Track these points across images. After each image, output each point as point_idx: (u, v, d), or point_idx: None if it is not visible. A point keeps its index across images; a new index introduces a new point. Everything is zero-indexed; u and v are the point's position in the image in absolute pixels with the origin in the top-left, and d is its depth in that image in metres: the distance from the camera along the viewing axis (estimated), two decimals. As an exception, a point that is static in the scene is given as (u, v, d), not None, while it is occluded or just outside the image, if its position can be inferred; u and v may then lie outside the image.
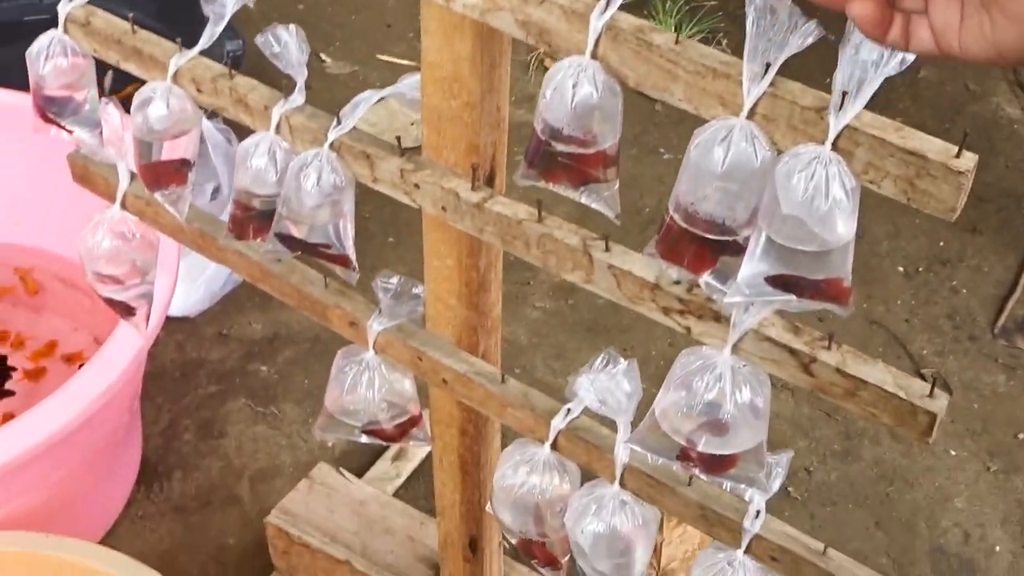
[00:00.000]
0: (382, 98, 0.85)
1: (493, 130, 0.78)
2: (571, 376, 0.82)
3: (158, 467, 1.60)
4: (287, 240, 0.87)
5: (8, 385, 1.53)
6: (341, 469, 1.45)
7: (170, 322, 1.65)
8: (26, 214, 1.59)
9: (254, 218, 0.90)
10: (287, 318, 1.77)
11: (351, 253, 0.87)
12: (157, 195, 0.96)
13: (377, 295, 0.92)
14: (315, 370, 1.68)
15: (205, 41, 0.89)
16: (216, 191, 1.60)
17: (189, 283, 1.62)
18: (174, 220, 0.96)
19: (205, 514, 1.56)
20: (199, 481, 1.60)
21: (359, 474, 1.53)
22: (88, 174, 1.08)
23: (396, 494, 1.48)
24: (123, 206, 1.04)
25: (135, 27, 0.94)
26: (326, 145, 0.83)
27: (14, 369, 1.54)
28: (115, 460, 1.43)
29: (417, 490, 1.53)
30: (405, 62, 2.16)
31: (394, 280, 0.92)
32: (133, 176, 1.04)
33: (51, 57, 0.97)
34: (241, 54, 1.79)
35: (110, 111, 1.02)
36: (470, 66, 0.74)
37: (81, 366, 1.45)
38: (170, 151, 0.92)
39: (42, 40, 0.96)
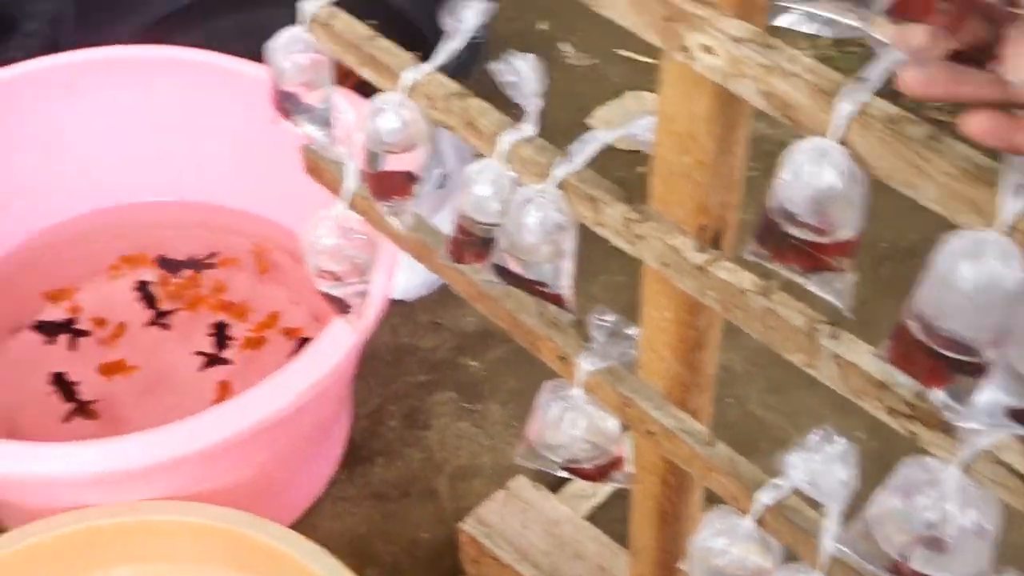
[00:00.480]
0: (613, 137, 0.82)
1: (725, 191, 0.75)
2: (783, 452, 0.78)
3: (363, 450, 1.62)
4: (504, 272, 0.85)
5: (226, 354, 1.57)
6: (538, 485, 1.42)
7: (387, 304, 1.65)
8: (262, 184, 1.64)
9: (473, 244, 0.89)
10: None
11: (567, 293, 0.85)
12: (380, 204, 0.96)
13: (590, 332, 0.90)
14: (524, 372, 1.66)
15: (442, 56, 0.88)
16: (444, 179, 1.63)
17: (410, 266, 1.63)
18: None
19: (403, 504, 1.57)
20: (400, 470, 1.61)
21: (557, 486, 1.51)
22: (318, 168, 1.10)
23: (592, 514, 1.46)
24: (349, 205, 1.04)
25: (375, 34, 0.94)
26: (552, 182, 0.81)
27: (232, 339, 1.58)
28: (323, 441, 1.45)
29: (614, 512, 1.49)
30: (645, 59, 2.12)
31: (609, 318, 0.90)
32: (361, 175, 1.04)
33: (291, 53, 0.98)
34: (482, 42, 1.78)
35: (343, 109, 1.03)
36: (706, 126, 0.70)
37: (299, 342, 1.52)
38: (396, 162, 0.92)
39: (283, 36, 0.97)
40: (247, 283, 1.66)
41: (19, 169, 1.58)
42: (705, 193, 0.73)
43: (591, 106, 2.05)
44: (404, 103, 0.90)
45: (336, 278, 1.07)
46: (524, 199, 0.81)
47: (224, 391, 1.51)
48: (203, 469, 1.17)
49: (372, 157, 0.94)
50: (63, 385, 1.52)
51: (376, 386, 1.69)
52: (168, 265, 1.65)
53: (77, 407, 1.50)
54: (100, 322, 1.61)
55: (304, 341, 1.57)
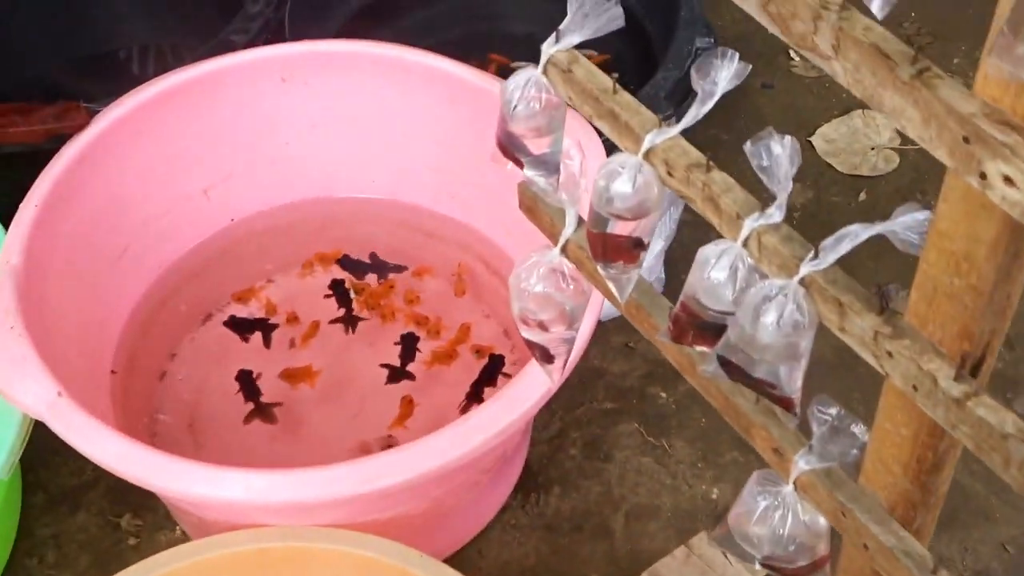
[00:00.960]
0: (872, 233, 0.76)
1: (995, 318, 0.68)
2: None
3: (539, 477, 1.60)
4: (728, 365, 0.81)
5: (412, 366, 1.57)
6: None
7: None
8: (469, 191, 1.64)
9: (699, 327, 0.85)
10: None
11: (796, 397, 0.81)
12: (600, 267, 0.93)
13: (811, 425, 0.85)
14: (714, 411, 1.59)
15: (688, 120, 0.83)
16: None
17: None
18: (613, 286, 0.93)
19: (574, 539, 1.55)
20: (576, 502, 1.58)
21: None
22: (535, 209, 1.07)
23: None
24: (563, 251, 1.01)
25: (617, 87, 0.90)
26: (796, 279, 0.76)
27: (419, 351, 1.57)
28: (501, 472, 1.45)
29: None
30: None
31: (832, 411, 0.84)
32: (580, 222, 1.01)
33: (525, 96, 0.95)
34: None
35: (572, 155, 0.99)
36: (988, 251, 0.64)
37: (488, 359, 1.52)
38: (623, 226, 0.88)
39: (519, 77, 0.94)
40: (441, 293, 1.66)
41: (227, 156, 1.60)
42: (973, 319, 0.67)
43: (815, 122, 2.01)
44: (642, 168, 0.85)
45: (542, 326, 1.03)
46: (764, 295, 0.76)
47: (407, 408, 1.50)
48: (380, 502, 1.19)
49: (598, 218, 0.89)
50: (248, 384, 1.53)
51: (560, 410, 1.67)
52: (351, 266, 1.65)
53: (257, 408, 1.51)
54: (293, 318, 1.62)
55: (493, 359, 1.56)
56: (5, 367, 1.17)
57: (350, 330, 1.60)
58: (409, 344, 1.57)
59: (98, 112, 1.52)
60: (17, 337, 1.19)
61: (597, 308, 1.21)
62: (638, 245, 0.90)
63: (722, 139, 2.08)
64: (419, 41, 1.59)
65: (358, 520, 1.19)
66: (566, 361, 1.06)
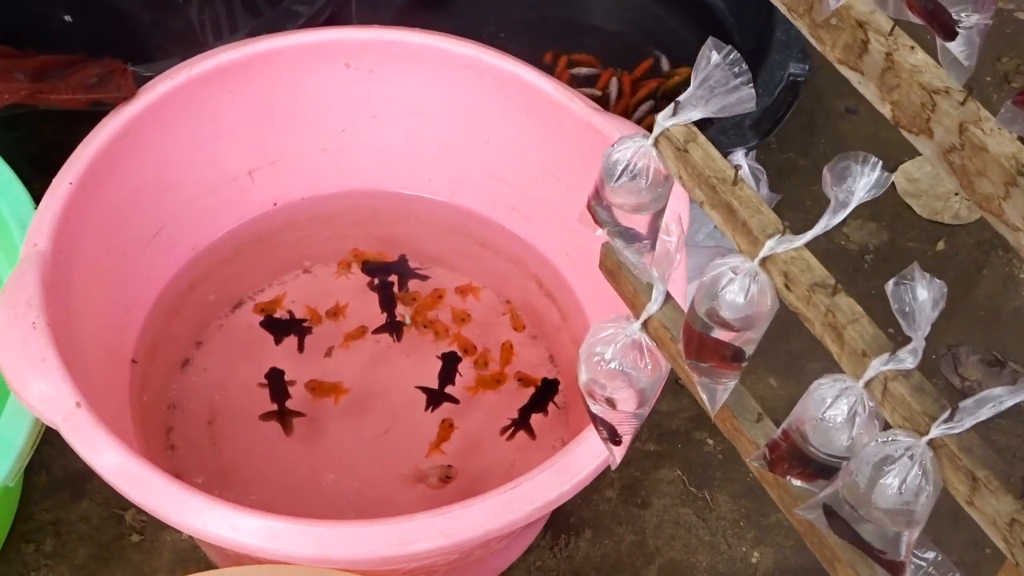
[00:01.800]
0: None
1: None
2: None
3: (571, 517, 1.55)
4: (833, 516, 0.75)
5: (453, 390, 1.53)
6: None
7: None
8: (526, 204, 1.61)
9: (799, 460, 0.79)
10: (761, 391, 1.68)
11: (907, 561, 0.75)
12: (690, 367, 0.87)
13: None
14: (764, 465, 1.56)
15: (820, 227, 0.76)
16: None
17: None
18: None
19: (601, 591, 1.48)
20: (607, 550, 1.54)
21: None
22: (617, 273, 1.01)
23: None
24: (644, 327, 0.95)
25: (739, 177, 0.83)
26: (924, 440, 0.70)
27: (459, 374, 1.52)
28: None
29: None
30: None
31: (929, 555, 0.79)
32: (667, 299, 0.94)
33: (631, 168, 0.88)
34: (802, 80, 1.68)
35: (672, 230, 0.93)
36: None
37: (541, 384, 1.49)
38: (725, 335, 0.82)
39: (627, 148, 0.89)
40: (489, 308, 1.62)
41: (278, 138, 1.57)
42: None
43: (898, 156, 1.93)
44: (756, 276, 0.80)
45: (611, 403, 0.97)
46: (886, 454, 0.70)
47: (446, 431, 1.47)
48: (410, 560, 1.13)
49: (698, 318, 0.83)
50: (277, 385, 1.49)
51: (599, 447, 1.60)
52: (374, 269, 1.61)
53: (279, 412, 1.46)
54: (338, 311, 1.60)
55: (546, 384, 1.52)
56: (23, 368, 1.13)
57: (395, 337, 1.57)
58: (450, 364, 1.52)
59: (146, 78, 1.45)
60: (39, 336, 1.15)
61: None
62: (738, 357, 0.84)
63: (798, 164, 2.01)
64: (482, 22, 1.58)
65: (380, 568, 1.16)
66: (630, 442, 1.01)
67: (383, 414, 1.52)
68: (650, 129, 0.88)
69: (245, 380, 1.51)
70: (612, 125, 1.38)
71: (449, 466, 1.42)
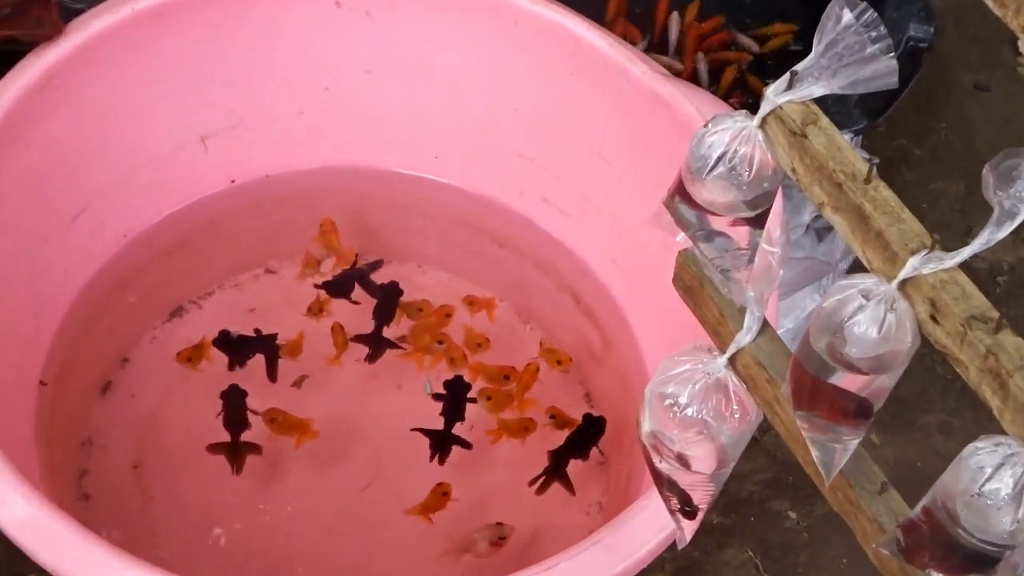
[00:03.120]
0: None
1: None
2: None
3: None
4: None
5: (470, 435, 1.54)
6: None
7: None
8: (562, 194, 1.62)
9: (946, 547, 0.78)
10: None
11: None
12: (799, 418, 0.87)
13: None
14: (857, 546, 1.57)
15: (980, 243, 0.76)
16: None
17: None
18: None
19: None
20: (652, 655, 1.53)
21: None
22: (697, 291, 0.99)
23: None
24: (732, 363, 0.95)
25: (873, 174, 0.83)
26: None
27: (473, 400, 1.53)
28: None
29: None
30: None
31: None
32: (764, 328, 0.93)
33: (728, 156, 0.88)
34: (925, 47, 1.69)
35: (775, 240, 0.94)
36: None
37: (583, 421, 1.50)
38: (852, 381, 0.82)
39: (723, 130, 0.88)
40: (507, 334, 1.63)
41: (242, 96, 1.60)
42: None
43: (1038, 148, 1.89)
44: (895, 304, 0.79)
45: (683, 462, 0.96)
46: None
47: (437, 503, 1.46)
48: None
49: (814, 356, 0.82)
50: (236, 408, 1.49)
51: (659, 515, 1.62)
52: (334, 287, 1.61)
53: (232, 445, 1.47)
54: (291, 349, 1.59)
55: (590, 422, 1.52)
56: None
57: (373, 356, 1.56)
58: (458, 395, 1.52)
59: (76, 11, 1.45)
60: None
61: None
62: (863, 411, 0.84)
63: (912, 154, 2.02)
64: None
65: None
66: (707, 510, 1.01)
67: (364, 463, 1.54)
68: (749, 108, 0.88)
69: (184, 412, 1.53)
70: (685, 96, 1.38)
71: (499, 524, 1.43)
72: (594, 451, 1.50)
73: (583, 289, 1.62)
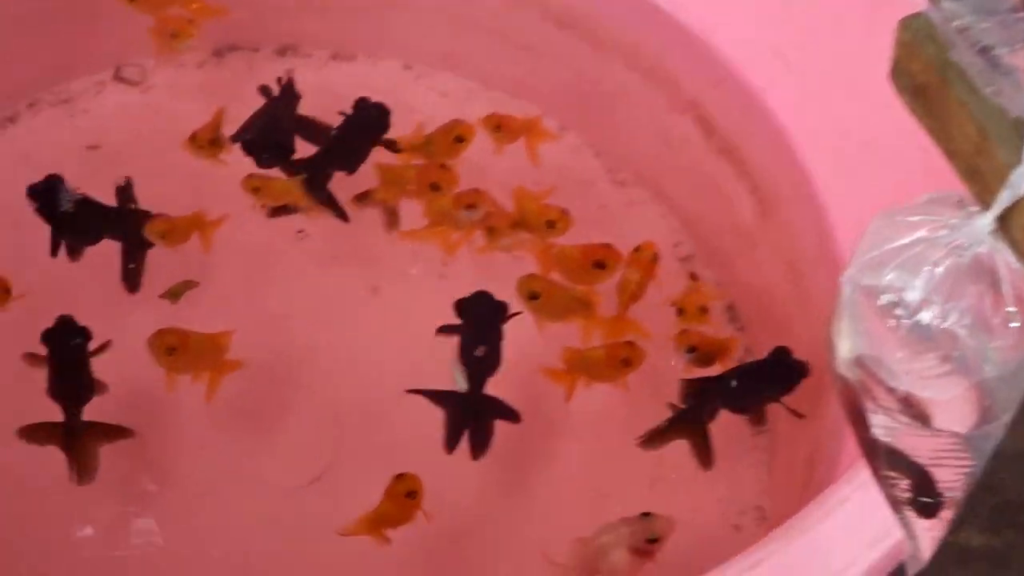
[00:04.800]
0: None
1: None
2: None
3: None
4: None
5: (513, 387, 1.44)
6: None
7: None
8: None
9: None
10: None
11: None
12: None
13: None
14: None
15: None
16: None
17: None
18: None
19: None
20: None
21: None
22: (935, 95, 0.88)
23: None
24: (1001, 225, 0.84)
25: None
26: None
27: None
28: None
29: None
30: None
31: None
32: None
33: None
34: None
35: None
36: None
37: (728, 373, 1.43)
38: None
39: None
40: (577, 171, 1.59)
41: None
42: None
43: None
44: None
45: (916, 412, 0.88)
46: None
47: (399, 510, 1.37)
48: None
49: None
50: (70, 371, 1.37)
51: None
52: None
53: (66, 426, 1.36)
54: None
55: (750, 371, 1.43)
56: None
57: (342, 215, 1.48)
58: (485, 321, 1.40)
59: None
60: None
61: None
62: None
63: None
64: None
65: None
66: (960, 509, 0.97)
67: (314, 438, 1.46)
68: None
69: None
70: None
71: (648, 515, 1.33)
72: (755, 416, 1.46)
73: (719, 107, 1.51)
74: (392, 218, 1.48)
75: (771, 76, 1.47)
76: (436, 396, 1.40)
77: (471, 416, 1.39)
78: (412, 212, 1.50)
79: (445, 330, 1.41)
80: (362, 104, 1.50)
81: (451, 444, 1.38)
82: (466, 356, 1.40)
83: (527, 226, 1.49)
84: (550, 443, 1.48)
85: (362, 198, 1.49)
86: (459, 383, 1.40)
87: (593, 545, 1.34)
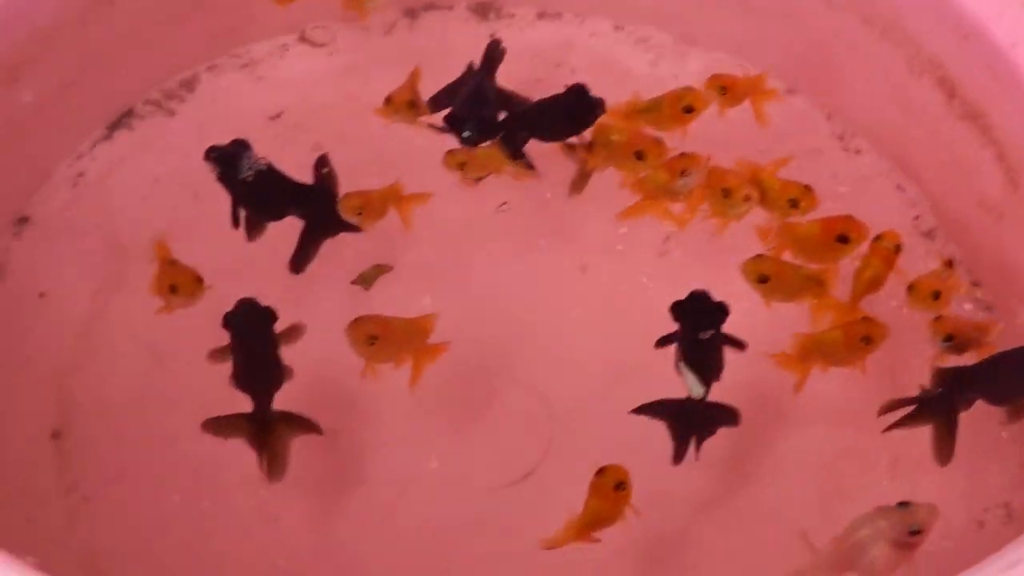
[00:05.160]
0: None
1: None
2: None
3: None
4: None
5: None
6: None
7: None
8: None
9: None
10: None
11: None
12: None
13: None
14: None
15: None
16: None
17: None
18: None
19: None
20: None
21: None
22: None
23: None
24: None
25: None
26: None
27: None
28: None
29: None
30: None
31: None
32: None
33: None
34: None
35: None
36: None
37: (991, 359, 1.38)
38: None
39: None
40: (805, 135, 1.56)
41: None
42: None
43: None
44: None
45: None
46: None
47: (609, 508, 1.32)
48: None
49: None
50: (257, 361, 1.35)
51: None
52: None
53: (256, 420, 1.33)
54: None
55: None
56: None
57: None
58: (705, 323, 1.35)
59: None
60: None
61: None
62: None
63: None
64: None
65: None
66: None
67: (524, 432, 1.44)
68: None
69: (142, 333, 1.44)
70: None
71: (905, 504, 1.29)
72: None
73: (963, 67, 1.47)
74: (581, 182, 1.45)
75: (1022, 32, 1.43)
76: (658, 410, 1.38)
77: (696, 425, 1.38)
78: (603, 181, 1.47)
79: (663, 343, 1.38)
80: (578, 93, 1.43)
81: (679, 456, 1.37)
82: (689, 362, 1.38)
83: (766, 204, 1.45)
84: (774, 435, 1.46)
85: (569, 148, 1.46)
86: (693, 390, 1.37)
87: (849, 541, 1.30)
